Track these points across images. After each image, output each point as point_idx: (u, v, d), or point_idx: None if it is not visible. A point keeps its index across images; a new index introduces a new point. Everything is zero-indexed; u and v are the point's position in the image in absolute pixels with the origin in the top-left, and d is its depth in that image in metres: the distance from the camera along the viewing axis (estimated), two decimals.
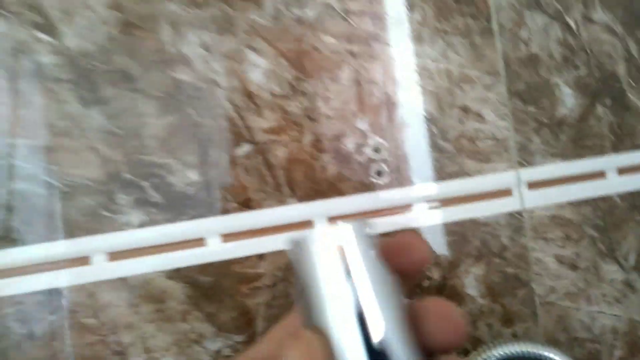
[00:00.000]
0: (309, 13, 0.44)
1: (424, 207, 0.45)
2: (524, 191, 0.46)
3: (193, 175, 0.42)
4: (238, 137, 0.43)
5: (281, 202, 0.43)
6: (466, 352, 0.44)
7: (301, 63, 0.44)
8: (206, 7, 0.43)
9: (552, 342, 0.45)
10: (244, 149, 0.43)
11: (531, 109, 0.46)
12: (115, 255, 0.41)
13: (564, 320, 0.46)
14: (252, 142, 0.43)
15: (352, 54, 0.44)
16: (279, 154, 0.43)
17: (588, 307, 0.46)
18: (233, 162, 0.43)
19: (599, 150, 0.47)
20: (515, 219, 0.46)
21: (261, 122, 0.43)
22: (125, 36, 0.42)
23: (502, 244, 0.45)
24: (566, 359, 0.41)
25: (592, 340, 0.46)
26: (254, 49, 0.43)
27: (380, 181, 0.44)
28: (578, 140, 0.46)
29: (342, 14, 0.44)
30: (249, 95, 0.44)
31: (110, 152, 0.42)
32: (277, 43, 0.43)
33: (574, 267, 0.46)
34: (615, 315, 0.46)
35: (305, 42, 0.43)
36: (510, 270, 0.45)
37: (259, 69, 0.44)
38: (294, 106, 0.44)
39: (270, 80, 0.44)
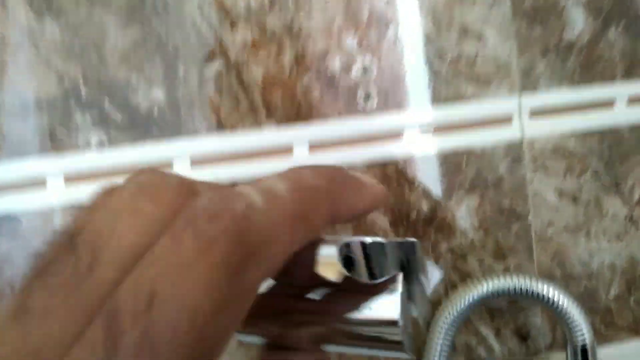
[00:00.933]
0: None
1: (415, 134, 0.41)
2: (525, 119, 0.42)
3: (159, 94, 0.38)
4: (209, 52, 0.39)
5: (257, 125, 0.40)
6: (454, 286, 0.42)
7: None
8: None
9: (547, 278, 0.43)
10: (216, 65, 0.39)
11: (537, 30, 0.41)
12: (72, 179, 0.38)
13: (561, 256, 0.43)
14: (225, 58, 0.39)
15: None
16: (255, 72, 0.39)
17: (587, 242, 0.44)
18: (203, 79, 0.39)
19: (609, 78, 0.43)
20: (514, 149, 0.42)
21: (236, 37, 0.39)
22: None
23: (499, 175, 0.42)
24: (560, 292, 0.39)
25: (588, 276, 0.43)
26: None
27: (368, 105, 0.41)
28: (586, 66, 0.42)
29: None
30: (222, 7, 0.39)
31: (67, 67, 0.38)
32: None
33: (574, 200, 0.43)
34: (614, 251, 0.44)
35: None
36: (506, 202, 0.42)
37: None
38: (273, 19, 0.40)
39: None
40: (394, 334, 0.19)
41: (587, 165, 0.42)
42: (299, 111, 0.39)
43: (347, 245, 0.18)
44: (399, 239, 0.20)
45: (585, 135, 0.42)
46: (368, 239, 0.18)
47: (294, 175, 0.18)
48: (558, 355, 0.42)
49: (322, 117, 0.39)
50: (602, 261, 0.43)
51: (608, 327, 0.43)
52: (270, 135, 0.39)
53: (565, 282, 0.42)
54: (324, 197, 0.18)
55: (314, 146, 0.40)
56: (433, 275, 0.41)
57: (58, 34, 0.37)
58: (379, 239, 0.19)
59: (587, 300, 0.43)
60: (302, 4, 0.39)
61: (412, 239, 0.20)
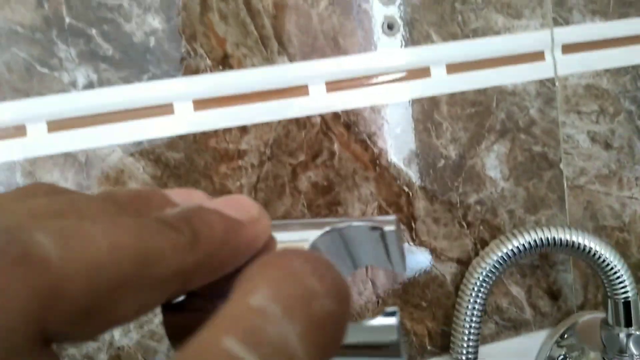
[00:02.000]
0: None
1: (442, 72, 0.36)
2: (557, 55, 0.39)
3: (154, 22, 0.33)
4: None
5: (268, 60, 0.35)
6: (484, 243, 0.39)
7: None
8: None
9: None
10: None
11: None
12: (57, 125, 0.33)
13: (593, 206, 0.41)
14: None
15: None
16: None
17: (619, 191, 0.41)
18: (205, 5, 0.34)
19: None
20: (546, 88, 0.39)
21: None
22: None
23: (530, 117, 0.39)
24: (602, 244, 0.37)
25: (620, 228, 0.41)
26: None
27: (392, 37, 0.37)
28: None
29: None
30: None
31: None
32: None
33: (607, 145, 0.40)
34: None
35: None
36: (537, 148, 0.39)
37: None
38: None
39: None
40: (390, 334, 0.16)
41: (620, 106, 0.40)
42: (314, 42, 0.35)
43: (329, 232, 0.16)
44: (374, 219, 0.17)
45: (618, 72, 0.39)
46: (340, 224, 0.16)
47: None
48: (589, 315, 0.40)
49: (340, 50, 0.35)
50: (634, 211, 0.41)
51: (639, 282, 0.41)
52: (283, 71, 0.35)
53: (598, 235, 0.40)
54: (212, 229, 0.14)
55: (332, 84, 0.36)
56: (420, 261, 0.38)
57: None
58: (353, 223, 0.16)
59: (619, 254, 0.40)
60: None
61: (389, 220, 0.17)
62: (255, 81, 0.34)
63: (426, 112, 0.36)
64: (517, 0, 0.36)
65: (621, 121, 0.39)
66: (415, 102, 0.36)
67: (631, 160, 0.40)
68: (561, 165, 0.38)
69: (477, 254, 0.37)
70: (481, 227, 0.37)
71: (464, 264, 0.37)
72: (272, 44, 0.34)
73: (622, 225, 0.40)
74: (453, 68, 0.36)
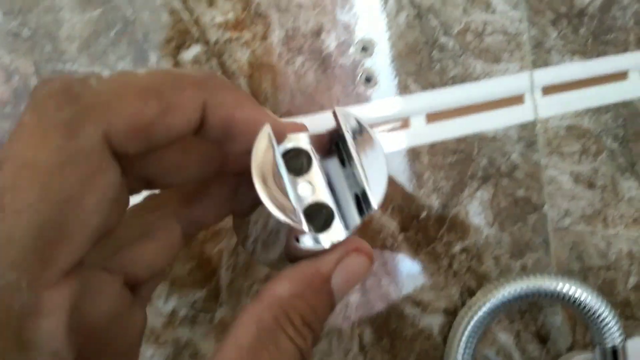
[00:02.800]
0: None
1: (421, 122, 0.36)
2: (538, 97, 0.39)
3: None
4: (184, 35, 0.33)
5: None
6: (471, 292, 0.39)
7: None
8: None
9: (565, 274, 0.40)
10: (194, 51, 0.33)
11: None
12: None
13: (578, 247, 0.41)
14: (203, 41, 0.33)
15: None
16: (240, 56, 0.34)
17: (604, 230, 0.41)
18: (181, 68, 0.34)
19: (623, 47, 0.40)
20: (527, 131, 0.39)
21: (215, 15, 0.33)
22: None
23: (512, 162, 0.39)
24: (587, 290, 0.37)
25: (607, 267, 0.41)
26: None
27: (370, 89, 0.37)
28: (599, 35, 0.39)
29: None
30: None
31: (16, 61, 0.32)
32: None
33: (591, 185, 0.40)
34: (632, 237, 0.42)
35: None
36: (520, 192, 0.39)
37: None
38: None
39: None
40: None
41: (602, 145, 0.40)
42: (291, 99, 0.34)
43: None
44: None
45: (599, 111, 0.39)
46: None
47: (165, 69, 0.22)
48: (579, 357, 0.40)
49: (317, 106, 0.35)
50: (619, 249, 0.41)
51: (628, 320, 0.41)
52: None
53: (584, 276, 0.40)
54: (192, 83, 0.18)
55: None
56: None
57: (2, 20, 0.31)
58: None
59: (606, 294, 0.40)
60: None
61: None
62: None
63: (407, 163, 0.36)
64: (495, 44, 0.36)
65: (604, 160, 0.39)
66: (396, 154, 0.36)
67: (615, 197, 0.40)
68: (545, 208, 0.38)
69: (464, 303, 0.37)
70: (467, 276, 0.37)
71: (452, 313, 0.37)
72: None
73: (608, 264, 0.40)
74: (433, 117, 0.36)
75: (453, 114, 0.36)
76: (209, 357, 0.18)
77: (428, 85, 0.35)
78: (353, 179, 0.20)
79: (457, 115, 0.36)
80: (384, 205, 0.35)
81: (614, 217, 0.40)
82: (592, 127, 0.38)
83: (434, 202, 0.36)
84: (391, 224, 0.36)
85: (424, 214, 0.36)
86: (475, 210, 0.37)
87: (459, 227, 0.37)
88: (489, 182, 0.37)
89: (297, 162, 0.19)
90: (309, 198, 0.19)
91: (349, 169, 0.20)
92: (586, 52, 0.38)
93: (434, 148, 0.36)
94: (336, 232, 0.19)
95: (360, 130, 0.21)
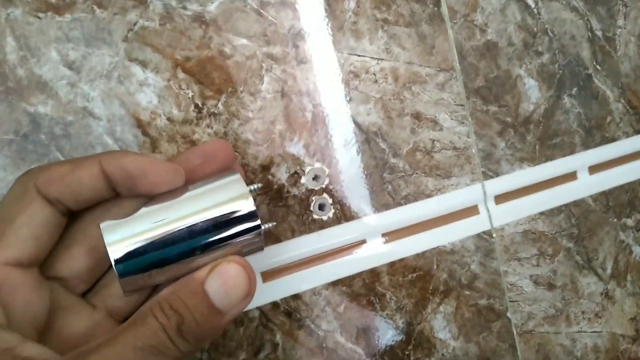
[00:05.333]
0: (211, 8, 0.34)
1: (378, 242, 0.35)
2: (491, 206, 0.39)
3: None
4: None
5: None
6: None
7: (206, 75, 0.34)
8: (67, 9, 0.31)
9: None
10: None
11: (493, 107, 0.38)
12: None
13: (544, 348, 0.40)
14: None
15: (273, 58, 0.34)
16: None
17: (568, 328, 0.41)
18: None
19: (569, 149, 0.41)
20: (484, 241, 0.39)
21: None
22: None
23: (472, 272, 0.39)
24: None
25: None
26: (139, 62, 0.33)
27: (324, 216, 0.36)
28: (546, 140, 0.40)
29: (255, 6, 0.34)
30: (139, 125, 0.33)
31: None
32: (171, 51, 0.33)
33: (550, 286, 0.40)
34: (596, 332, 0.42)
35: (210, 47, 0.33)
36: (483, 302, 0.39)
37: (150, 88, 0.33)
38: (202, 132, 0.34)
39: (165, 102, 0.34)
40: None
41: (558, 246, 0.40)
42: None
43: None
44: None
45: (552, 213, 0.40)
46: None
47: None
48: None
49: (274, 238, 0.34)
50: (584, 344, 0.41)
51: None
52: None
53: None
54: (93, 155, 0.26)
55: (268, 273, 0.35)
56: None
57: None
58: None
59: None
60: (234, 110, 0.33)
61: None
62: None
63: (367, 285, 0.35)
64: (445, 160, 0.36)
65: (561, 260, 0.39)
66: (355, 277, 0.35)
67: (575, 295, 0.40)
68: (508, 314, 0.38)
69: None
70: None
71: None
72: None
73: None
74: (389, 236, 0.36)
75: (409, 232, 0.36)
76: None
77: (381, 206, 0.35)
78: None
79: (414, 232, 0.36)
80: (347, 332, 0.35)
81: (576, 314, 0.40)
82: (547, 229, 0.39)
83: (398, 321, 0.36)
84: (357, 349, 0.35)
85: (389, 334, 0.36)
86: (440, 324, 0.36)
87: (425, 344, 0.36)
88: (451, 295, 0.37)
89: None
90: None
91: None
92: (535, 158, 0.38)
93: (394, 267, 0.36)
94: None
95: None
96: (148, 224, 0.24)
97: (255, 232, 0.25)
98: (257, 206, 0.26)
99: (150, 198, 0.25)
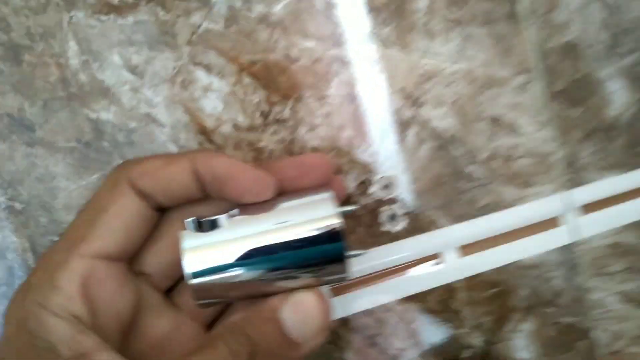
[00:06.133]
0: (277, 9, 0.32)
1: (455, 255, 0.33)
2: (576, 217, 0.36)
3: None
4: None
5: None
6: None
7: (272, 80, 0.32)
8: (129, 11, 0.31)
9: None
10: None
11: (576, 111, 0.36)
12: None
13: None
14: None
15: (342, 61, 0.33)
16: None
17: None
18: None
19: None
20: (568, 255, 0.36)
21: None
22: (11, 66, 0.30)
23: (554, 288, 0.36)
24: None
25: None
26: (203, 66, 0.32)
27: (395, 228, 0.34)
28: (634, 146, 0.37)
29: (323, 7, 0.32)
30: (203, 131, 0.32)
31: (10, 237, 0.30)
32: (236, 54, 0.32)
33: None
34: None
35: (276, 50, 0.32)
36: (566, 319, 0.36)
37: (214, 94, 0.32)
38: (268, 140, 0.32)
39: (231, 108, 0.32)
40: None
41: None
42: None
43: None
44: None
45: None
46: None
47: None
48: None
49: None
50: None
51: None
52: None
53: None
54: (184, 154, 0.25)
55: (337, 287, 0.33)
56: None
57: None
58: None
59: None
60: (301, 116, 0.32)
61: None
62: None
63: (443, 301, 0.33)
64: (525, 168, 0.34)
65: None
66: (430, 293, 0.33)
67: None
68: (593, 333, 0.35)
69: None
70: None
71: None
72: None
73: None
74: (466, 250, 0.33)
75: (487, 245, 0.33)
76: None
77: (457, 217, 0.33)
78: None
79: (492, 245, 0.33)
80: (421, 350, 0.33)
81: None
82: (636, 242, 0.36)
83: (476, 340, 0.33)
84: None
85: (466, 354, 0.33)
86: (520, 343, 0.34)
87: None
88: (532, 312, 0.34)
89: None
90: None
91: None
92: (623, 165, 0.35)
93: (471, 282, 0.33)
94: None
95: None
96: (228, 235, 0.23)
97: (341, 262, 0.23)
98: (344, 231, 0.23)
99: (239, 205, 0.24)
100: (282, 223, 0.23)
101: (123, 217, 0.23)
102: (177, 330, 0.25)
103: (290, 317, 0.22)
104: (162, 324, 0.25)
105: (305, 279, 0.23)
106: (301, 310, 0.23)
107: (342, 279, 0.24)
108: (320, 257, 0.23)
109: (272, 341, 0.22)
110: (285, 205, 0.24)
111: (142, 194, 0.24)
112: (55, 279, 0.21)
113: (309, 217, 0.23)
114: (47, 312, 0.21)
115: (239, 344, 0.21)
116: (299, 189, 0.25)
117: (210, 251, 0.23)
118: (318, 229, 0.23)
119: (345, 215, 0.29)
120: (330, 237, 0.23)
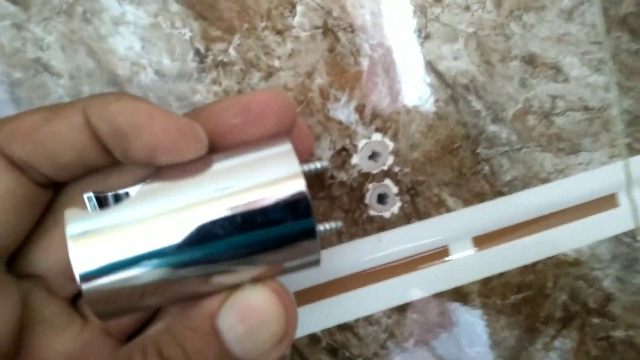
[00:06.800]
0: None
1: (468, 249, 0.25)
2: (638, 196, 0.27)
3: None
4: None
5: None
6: None
7: (211, 5, 0.23)
8: None
9: None
10: None
11: None
12: None
13: None
14: None
15: None
16: None
17: None
18: None
19: None
20: (625, 247, 0.27)
21: None
22: None
23: (604, 291, 0.27)
24: None
25: None
26: None
27: (386, 212, 0.26)
28: None
29: None
30: (114, 82, 0.22)
31: None
32: None
33: None
34: None
35: None
36: (619, 334, 0.28)
37: (129, 28, 0.22)
38: (206, 91, 0.22)
39: (153, 48, 0.23)
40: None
41: None
42: None
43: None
44: None
45: None
46: None
47: None
48: None
49: None
50: None
51: None
52: None
53: None
54: (74, 101, 0.18)
55: (304, 292, 0.25)
56: None
57: None
58: None
59: None
60: (253, 59, 0.23)
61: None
62: None
63: (450, 310, 0.25)
64: (572, 128, 0.24)
65: None
66: (433, 301, 0.25)
67: None
68: None
69: None
70: None
71: None
72: None
73: None
74: (483, 242, 0.25)
75: (513, 234, 0.25)
76: None
77: (473, 197, 0.24)
78: None
79: (520, 235, 0.25)
80: None
81: None
82: None
83: (498, 356, 0.25)
84: None
85: None
86: None
87: None
88: (573, 324, 0.26)
89: None
90: None
91: None
92: None
93: (489, 285, 0.25)
94: None
95: None
96: (140, 212, 0.16)
97: (308, 238, 0.16)
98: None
99: (156, 169, 0.18)
100: (219, 190, 0.16)
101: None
102: (84, 350, 0.19)
103: (231, 326, 0.16)
104: (62, 343, 0.19)
105: (254, 268, 0.17)
106: (247, 314, 0.16)
107: (309, 265, 0.17)
108: (278, 234, 0.16)
109: (202, 347, 0.16)
110: (223, 165, 0.17)
111: (17, 165, 0.17)
112: None
113: (258, 180, 0.16)
114: None
115: None
116: (243, 142, 0.18)
117: (112, 238, 0.16)
118: (273, 195, 0.16)
119: (316, 196, 0.21)
120: (292, 204, 0.16)
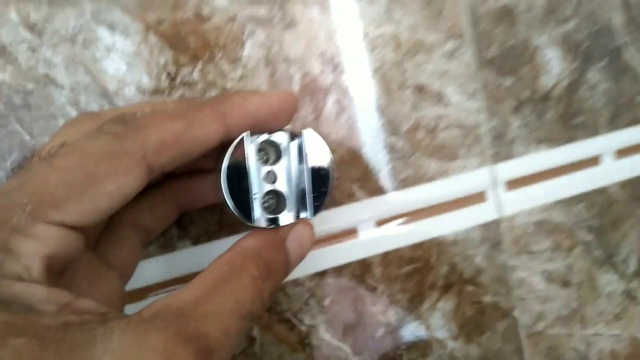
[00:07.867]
0: None
1: (372, 230, 0.32)
2: (501, 193, 0.35)
3: None
4: None
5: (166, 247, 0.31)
6: None
7: (181, 40, 0.31)
8: None
9: None
10: None
11: (508, 80, 0.34)
12: None
13: (555, 352, 0.37)
14: None
15: (257, 21, 0.31)
16: None
17: (583, 330, 0.38)
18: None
19: (593, 130, 0.36)
20: (491, 232, 0.35)
21: None
22: None
23: (476, 266, 0.35)
24: None
25: None
26: (107, 24, 0.30)
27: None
28: (567, 119, 0.36)
29: None
30: (105, 94, 0.30)
31: None
32: (142, 12, 0.30)
33: (565, 283, 0.37)
34: (614, 335, 0.38)
35: (186, 8, 0.30)
36: (487, 299, 0.36)
37: (117, 54, 0.30)
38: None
39: (135, 69, 0.31)
40: None
41: (576, 239, 0.36)
42: (221, 219, 0.31)
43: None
44: None
45: (571, 202, 0.36)
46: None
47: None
48: None
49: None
50: (600, 349, 0.37)
51: None
52: (182, 256, 0.31)
53: None
54: (209, 102, 0.21)
55: None
56: None
57: None
58: None
59: None
60: (212, 79, 0.30)
61: None
62: None
63: (357, 277, 0.32)
64: (451, 140, 0.33)
65: (578, 254, 0.36)
66: (344, 268, 0.32)
67: (593, 294, 0.36)
68: (515, 313, 0.35)
69: None
70: None
71: None
72: (171, 230, 0.30)
73: None
74: (384, 224, 0.33)
75: (407, 219, 0.33)
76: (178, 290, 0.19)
77: (376, 190, 0.32)
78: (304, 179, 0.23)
79: (412, 220, 0.33)
80: (333, 327, 0.32)
81: (592, 316, 0.36)
82: (563, 220, 0.35)
83: (391, 317, 0.33)
84: (344, 347, 0.32)
85: (380, 332, 0.33)
86: (438, 323, 0.33)
87: (420, 344, 0.33)
88: (452, 290, 0.34)
89: (267, 153, 0.23)
90: (270, 186, 0.23)
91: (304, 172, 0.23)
92: (553, 140, 0.34)
93: (387, 258, 0.32)
94: (285, 218, 0.23)
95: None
96: None
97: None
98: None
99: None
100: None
101: (116, 199, 0.19)
102: (110, 296, 0.23)
103: (293, 244, 0.23)
104: (96, 287, 0.23)
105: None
106: (301, 238, 0.23)
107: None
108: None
109: (279, 267, 0.22)
110: None
111: (151, 170, 0.20)
112: (12, 244, 0.18)
113: None
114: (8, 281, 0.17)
115: (262, 280, 0.21)
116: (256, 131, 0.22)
117: None
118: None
119: None
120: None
